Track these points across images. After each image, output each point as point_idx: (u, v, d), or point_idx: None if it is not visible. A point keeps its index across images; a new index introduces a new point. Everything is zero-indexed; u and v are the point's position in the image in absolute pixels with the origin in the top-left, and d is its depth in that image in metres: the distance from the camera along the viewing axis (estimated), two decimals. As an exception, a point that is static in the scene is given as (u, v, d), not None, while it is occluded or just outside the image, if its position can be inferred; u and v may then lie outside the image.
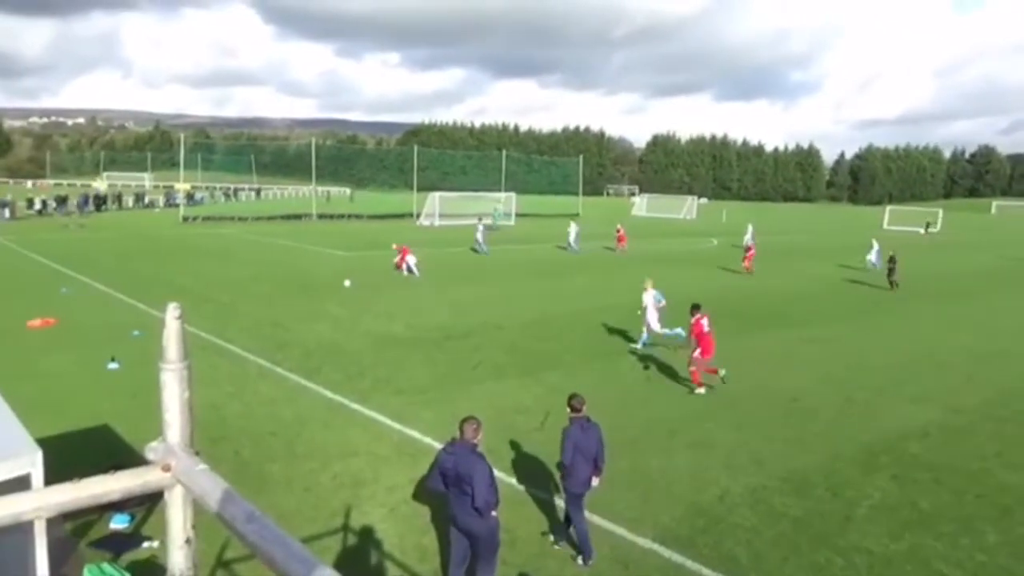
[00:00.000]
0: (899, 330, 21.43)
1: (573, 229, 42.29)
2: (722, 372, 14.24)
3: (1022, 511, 9.45)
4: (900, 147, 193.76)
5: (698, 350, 14.20)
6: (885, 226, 75.26)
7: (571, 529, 8.16)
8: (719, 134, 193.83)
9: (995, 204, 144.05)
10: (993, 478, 10.52)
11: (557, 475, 10.02)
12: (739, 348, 18.13)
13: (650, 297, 17.70)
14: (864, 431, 12.37)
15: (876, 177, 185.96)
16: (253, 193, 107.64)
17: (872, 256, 36.72)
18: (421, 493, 9.25)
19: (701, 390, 14.06)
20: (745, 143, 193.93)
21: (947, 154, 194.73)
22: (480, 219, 43.84)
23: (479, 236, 39.61)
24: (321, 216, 62.94)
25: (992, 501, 9.74)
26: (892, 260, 29.94)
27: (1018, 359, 18.06)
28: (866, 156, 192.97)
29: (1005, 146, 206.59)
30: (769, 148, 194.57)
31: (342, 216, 64.75)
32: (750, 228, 45.10)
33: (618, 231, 42.44)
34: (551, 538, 8.36)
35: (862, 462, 10.99)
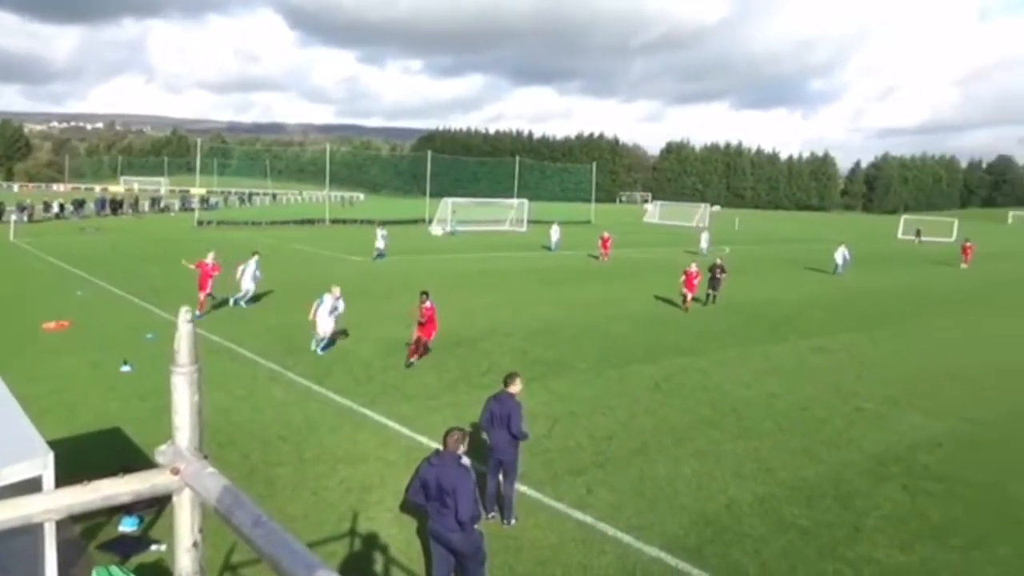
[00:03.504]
0: (910, 341, 21.29)
1: (555, 231, 47.15)
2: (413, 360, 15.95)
3: (1033, 524, 9.37)
4: (916, 156, 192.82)
5: (419, 333, 16.02)
6: (900, 235, 74.76)
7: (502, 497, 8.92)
8: (734, 142, 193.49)
9: (1012, 214, 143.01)
10: (1005, 491, 10.44)
11: (577, 481, 10.05)
12: (748, 356, 18.10)
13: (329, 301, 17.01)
14: (874, 441, 12.30)
15: (891, 186, 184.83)
16: (268, 198, 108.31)
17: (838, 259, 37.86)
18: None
19: (414, 359, 15.91)
20: (760, 151, 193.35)
21: (963, 164, 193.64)
22: (379, 226, 41.19)
23: (380, 244, 37.80)
24: (334, 221, 63.24)
25: (1004, 514, 9.65)
26: (715, 269, 26.20)
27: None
28: (881, 165, 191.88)
29: (1023, 156, 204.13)
30: (784, 156, 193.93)
31: (355, 221, 65.00)
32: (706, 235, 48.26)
33: (603, 239, 41.37)
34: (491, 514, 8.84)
35: (872, 472, 10.93)
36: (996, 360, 18.98)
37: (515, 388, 8.91)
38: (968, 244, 46.89)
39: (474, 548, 6.88)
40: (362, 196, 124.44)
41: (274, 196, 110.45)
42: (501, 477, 8.84)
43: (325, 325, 16.76)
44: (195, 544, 2.05)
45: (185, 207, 77.00)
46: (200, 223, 56.39)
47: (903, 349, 19.97)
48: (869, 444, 12.15)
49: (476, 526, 6.91)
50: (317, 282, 27.71)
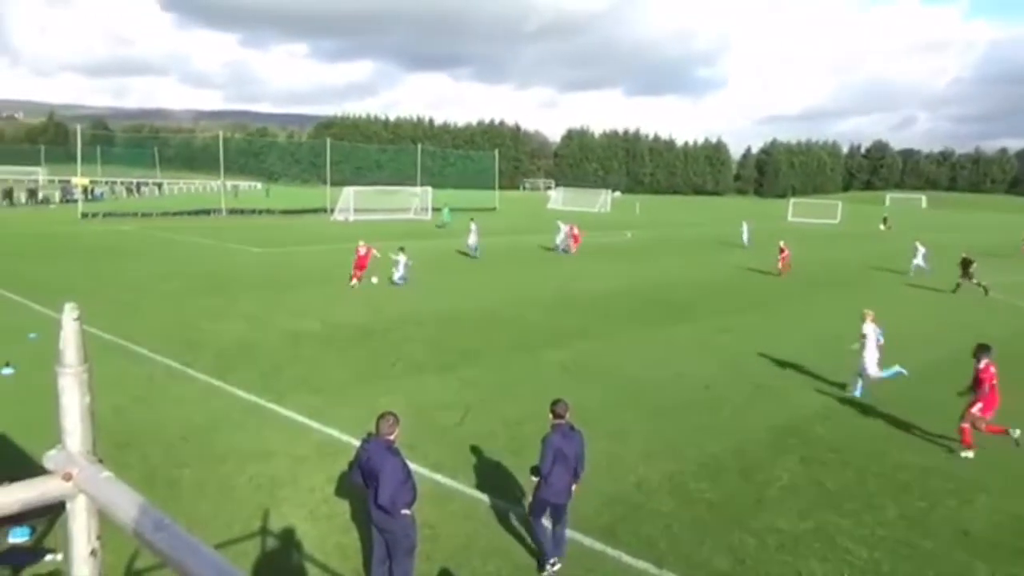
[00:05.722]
0: (797, 318, 22.36)
1: (473, 231, 36.07)
2: (1016, 433, 11.14)
3: (918, 487, 10.02)
4: (802, 142, 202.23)
5: (979, 404, 11.12)
6: (789, 218, 78.33)
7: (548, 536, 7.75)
8: (631, 128, 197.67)
9: (889, 196, 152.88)
10: (891, 457, 11.11)
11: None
12: (654, 339, 18.59)
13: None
14: (772, 415, 12.86)
15: (780, 171, 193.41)
16: (156, 188, 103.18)
17: (919, 260, 32.99)
18: (341, 492, 9.12)
19: (969, 453, 11.07)
20: (656, 137, 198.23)
21: (845, 149, 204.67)
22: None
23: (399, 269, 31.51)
24: (232, 211, 61.07)
25: (891, 478, 10.28)
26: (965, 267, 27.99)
27: (905, 345, 19.10)
28: (770, 151, 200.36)
29: (896, 142, 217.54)
30: (680, 143, 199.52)
31: (253, 211, 62.89)
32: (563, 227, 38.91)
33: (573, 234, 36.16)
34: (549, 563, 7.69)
35: (772, 445, 11.42)
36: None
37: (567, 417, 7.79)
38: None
39: (402, 534, 6.83)
40: (259, 185, 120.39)
41: (161, 186, 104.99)
42: (548, 522, 7.79)
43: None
44: (93, 552, 1.92)
45: (66, 198, 72.43)
46: (85, 215, 53.32)
47: (791, 326, 20.94)
48: (768, 418, 12.70)
49: (405, 511, 6.81)
50: (214, 275, 26.75)
